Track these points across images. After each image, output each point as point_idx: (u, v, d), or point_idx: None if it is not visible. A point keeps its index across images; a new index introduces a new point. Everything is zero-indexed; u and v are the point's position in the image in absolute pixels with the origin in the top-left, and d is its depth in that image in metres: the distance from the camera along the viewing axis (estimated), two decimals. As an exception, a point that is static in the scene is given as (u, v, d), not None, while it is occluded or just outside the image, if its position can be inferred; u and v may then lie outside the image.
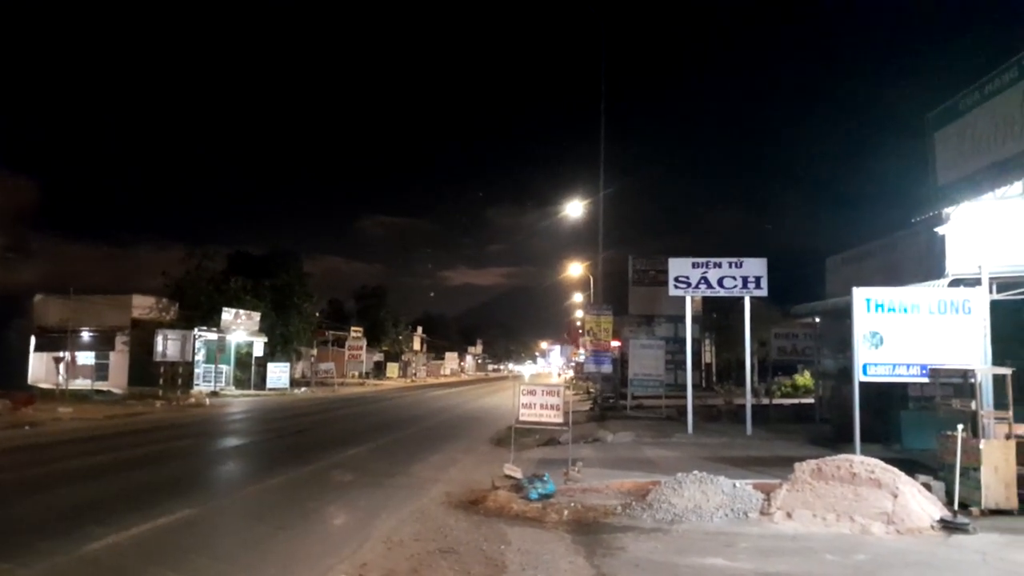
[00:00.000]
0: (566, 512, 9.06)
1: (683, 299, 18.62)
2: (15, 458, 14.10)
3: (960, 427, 9.07)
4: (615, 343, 27.60)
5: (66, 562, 6.90)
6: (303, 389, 42.13)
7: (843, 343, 15.03)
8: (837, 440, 14.05)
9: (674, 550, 7.46)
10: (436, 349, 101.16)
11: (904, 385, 13.81)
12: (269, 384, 39.17)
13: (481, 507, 9.47)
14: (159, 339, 32.82)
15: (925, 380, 11.66)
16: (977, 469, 8.96)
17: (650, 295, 31.30)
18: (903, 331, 11.13)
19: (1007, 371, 9.66)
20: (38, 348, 33.83)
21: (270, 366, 40.29)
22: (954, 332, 10.99)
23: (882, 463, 8.82)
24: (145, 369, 33.50)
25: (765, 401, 24.46)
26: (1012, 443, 9.21)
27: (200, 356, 36.45)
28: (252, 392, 37.59)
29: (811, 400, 25.04)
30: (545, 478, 10.19)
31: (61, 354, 29.87)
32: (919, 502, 8.44)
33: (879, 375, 11.23)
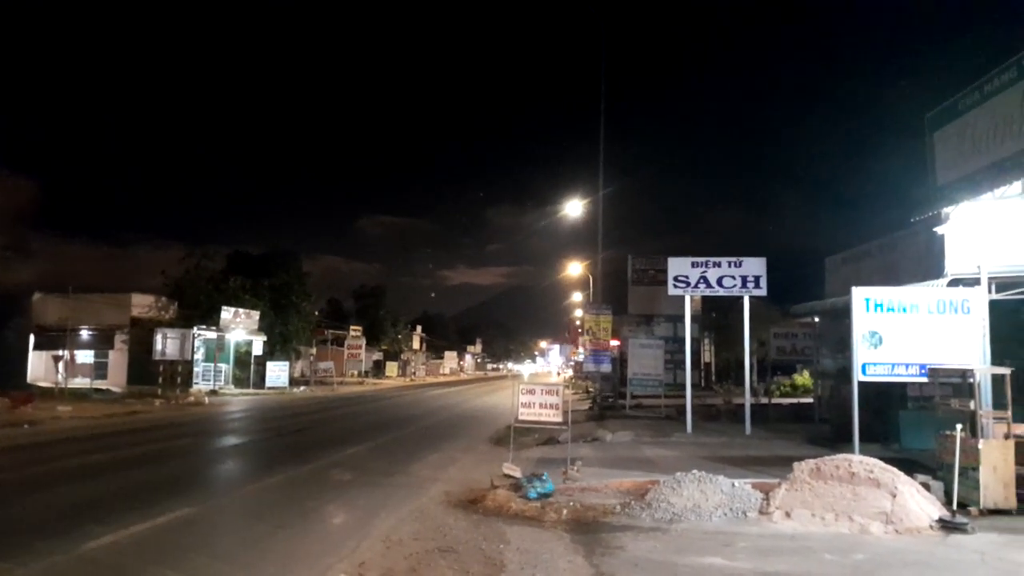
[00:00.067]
0: (565, 511, 9.06)
1: (682, 298, 18.62)
2: (14, 457, 14.09)
3: (959, 427, 9.08)
4: (614, 342, 27.63)
5: (65, 561, 6.90)
6: (302, 388, 42.12)
7: (842, 343, 15.04)
8: (836, 440, 14.06)
9: (673, 549, 7.47)
10: (435, 348, 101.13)
11: (903, 385, 13.82)
12: (268, 383, 39.19)
13: (480, 506, 9.48)
14: (158, 338, 32.82)
15: (924, 380, 11.67)
16: (976, 469, 8.97)
17: (649, 294, 31.33)
18: (902, 331, 11.14)
19: (1006, 371, 9.67)
20: (37, 347, 33.85)
21: (269, 365, 40.31)
22: (953, 332, 11.00)
23: (881, 463, 8.83)
24: (144, 368, 33.49)
25: (764, 401, 24.46)
26: (1011, 443, 9.21)
27: (199, 355, 36.47)
28: (251, 391, 37.59)
29: (810, 400, 25.04)
30: (544, 477, 10.19)
31: (60, 353, 29.86)
32: (918, 502, 8.45)
33: (878, 375, 11.24)
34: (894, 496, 8.32)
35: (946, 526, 8.15)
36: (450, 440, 18.15)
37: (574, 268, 45.26)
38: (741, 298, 17.90)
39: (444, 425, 22.90)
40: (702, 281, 17.89)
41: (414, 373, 77.28)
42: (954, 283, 11.53)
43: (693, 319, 20.15)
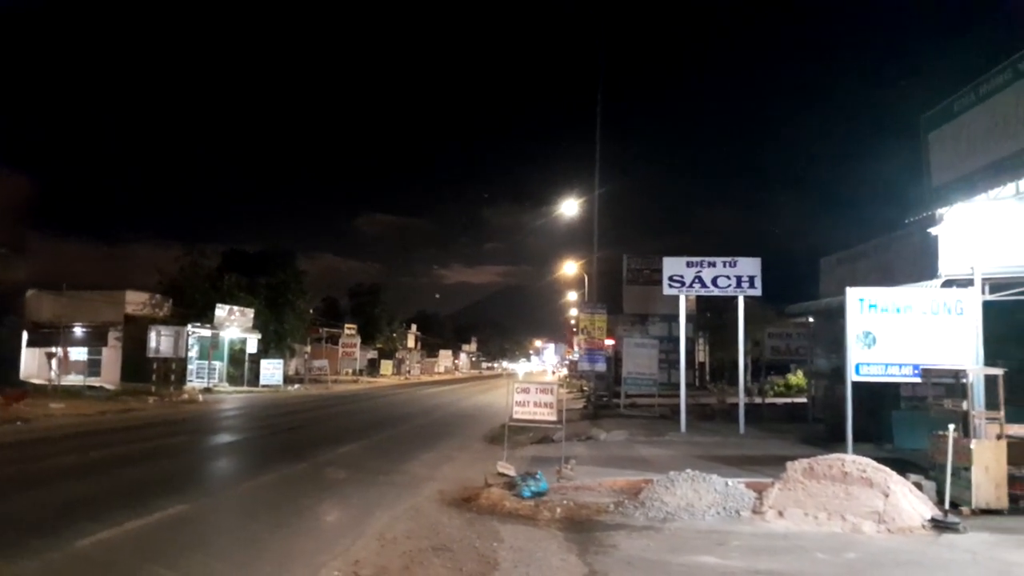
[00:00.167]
0: (559, 510, 9.07)
1: (677, 298, 18.66)
2: (7, 454, 14.03)
3: (951, 427, 9.10)
4: (609, 342, 27.62)
5: (59, 558, 6.88)
6: (297, 386, 42.07)
7: (836, 343, 15.07)
8: (829, 439, 14.10)
9: (666, 548, 7.48)
10: (430, 347, 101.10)
11: (896, 385, 13.84)
12: (263, 381, 39.13)
13: (474, 505, 9.48)
14: (152, 335, 32.71)
15: (917, 380, 11.69)
16: (968, 469, 9.01)
17: (644, 294, 31.34)
18: (896, 331, 11.17)
19: (999, 372, 9.71)
20: (30, 344, 33.68)
21: (264, 363, 40.25)
22: (946, 332, 11.03)
23: (874, 462, 8.86)
24: (138, 365, 33.38)
25: (758, 400, 24.55)
26: (1003, 443, 9.26)
27: (193, 352, 36.36)
28: (245, 389, 37.54)
29: (804, 399, 25.08)
30: (538, 476, 10.19)
31: (54, 350, 29.74)
32: (910, 501, 8.48)
33: (872, 375, 11.26)
34: (887, 496, 8.35)
35: (938, 526, 8.18)
36: (444, 438, 18.14)
37: (570, 267, 45.25)
38: (736, 298, 17.94)
39: (438, 423, 22.90)
40: (697, 281, 17.92)
41: (409, 372, 77.24)
42: (948, 284, 11.57)
43: (688, 319, 20.21)
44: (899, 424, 13.98)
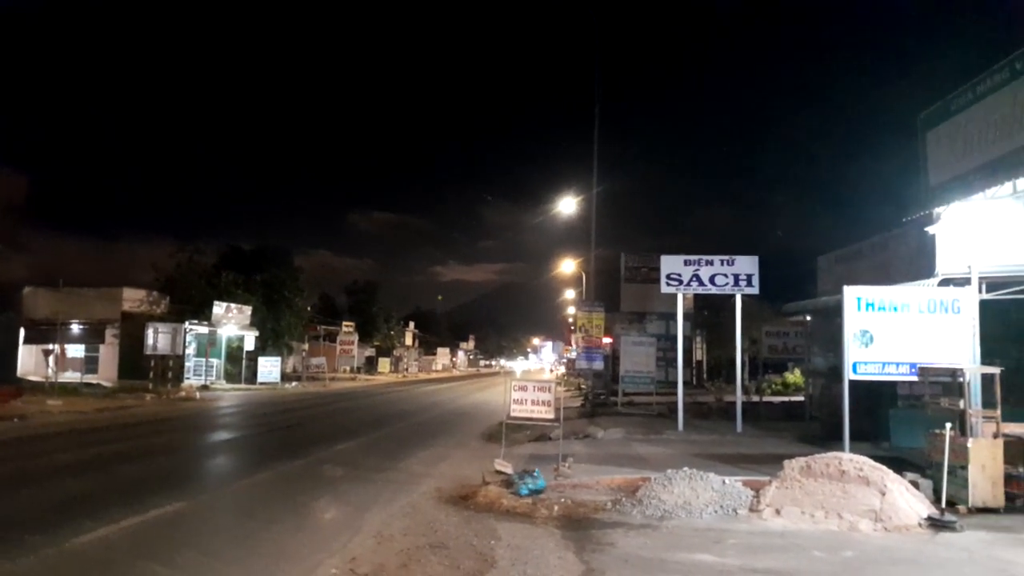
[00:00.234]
0: (556, 508, 9.07)
1: (675, 296, 18.66)
2: (3, 451, 14.00)
3: (948, 426, 9.12)
4: (607, 340, 27.61)
5: (54, 555, 6.87)
6: (294, 384, 42.03)
7: (833, 341, 15.08)
8: (826, 438, 14.11)
9: (663, 546, 7.49)
10: (428, 345, 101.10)
11: (893, 384, 13.87)
12: (260, 378, 39.09)
13: (471, 502, 9.48)
14: (149, 332, 32.69)
15: (914, 379, 11.71)
16: (965, 467, 9.02)
17: (642, 292, 31.36)
18: (893, 330, 11.18)
19: (995, 370, 9.72)
20: (27, 341, 33.63)
21: (261, 360, 40.20)
22: (943, 331, 11.04)
23: (871, 461, 8.87)
24: (135, 362, 33.36)
25: (755, 399, 24.58)
26: (999, 442, 9.27)
27: (191, 350, 36.31)
28: (243, 386, 37.49)
29: (801, 398, 25.12)
30: (535, 474, 10.20)
31: (50, 347, 29.69)
32: (907, 500, 8.49)
33: (869, 373, 11.27)
34: (883, 494, 8.37)
35: (935, 524, 8.19)
36: (442, 436, 18.14)
37: (567, 265, 45.28)
38: (733, 296, 17.94)
39: (436, 421, 22.90)
40: (695, 279, 17.92)
41: (406, 369, 77.19)
42: (945, 283, 11.58)
43: (685, 317, 20.21)
44: (896, 423, 14.00)
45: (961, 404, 9.52)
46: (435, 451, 15.12)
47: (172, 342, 33.13)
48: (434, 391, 43.23)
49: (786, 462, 9.25)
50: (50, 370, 29.00)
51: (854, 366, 11.24)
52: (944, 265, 11.57)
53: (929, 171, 12.04)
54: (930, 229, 11.97)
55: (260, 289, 44.35)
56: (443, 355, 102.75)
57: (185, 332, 34.60)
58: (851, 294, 11.38)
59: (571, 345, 56.32)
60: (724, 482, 9.32)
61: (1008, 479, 9.19)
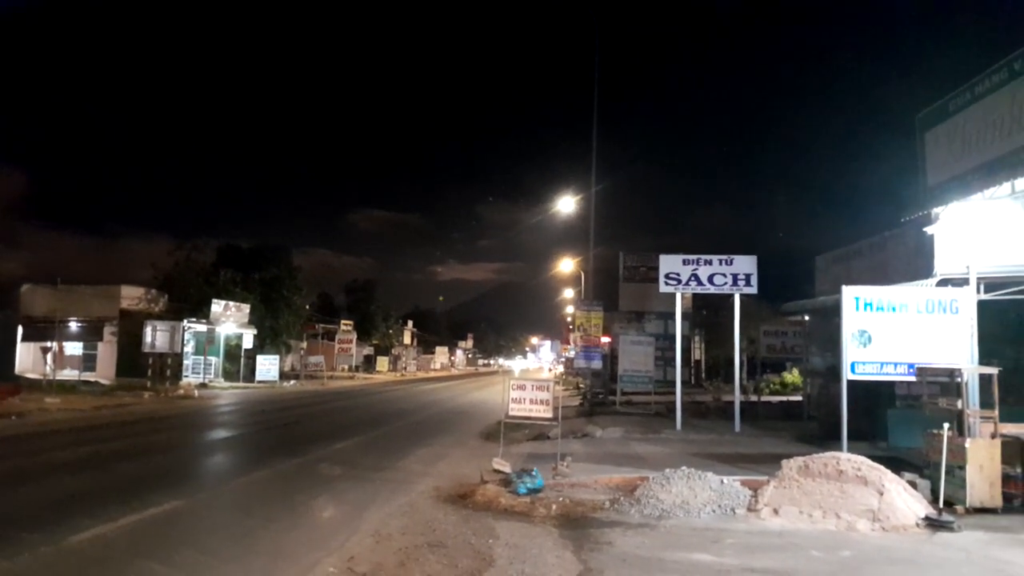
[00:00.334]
0: (554, 507, 9.08)
1: (673, 296, 18.66)
2: (1, 449, 14.00)
3: (946, 426, 9.13)
4: (605, 339, 27.62)
5: (52, 554, 6.86)
6: (292, 382, 42.01)
7: (831, 341, 15.09)
8: (824, 438, 14.13)
9: (661, 545, 7.49)
10: (426, 343, 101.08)
11: (891, 383, 13.88)
12: (258, 377, 39.06)
13: (470, 501, 9.48)
14: (148, 330, 32.64)
15: (912, 379, 11.72)
16: (962, 467, 9.03)
17: (640, 291, 31.31)
18: (891, 330, 11.19)
19: (993, 371, 9.73)
20: (25, 338, 33.62)
21: (259, 359, 40.18)
22: (942, 331, 11.05)
23: (869, 461, 8.88)
24: (133, 360, 33.31)
25: (754, 398, 24.58)
26: (997, 442, 9.28)
27: (189, 348, 36.29)
28: (241, 384, 37.47)
29: (799, 397, 25.16)
30: (534, 473, 10.20)
31: (49, 344, 29.68)
32: (905, 500, 8.50)
33: (867, 373, 11.28)
34: (881, 494, 8.38)
35: (932, 524, 8.20)
36: (440, 435, 18.14)
37: (566, 265, 45.28)
38: (732, 296, 17.94)
39: (434, 420, 22.90)
40: (693, 278, 17.92)
41: (405, 368, 77.17)
42: (943, 283, 11.59)
43: (684, 316, 20.18)
44: (894, 423, 14.01)
45: (959, 404, 9.53)
46: (433, 450, 15.12)
47: (170, 340, 33.09)
48: (432, 390, 43.22)
49: (784, 462, 9.26)
50: (48, 368, 29.02)
51: (852, 366, 11.25)
52: (942, 265, 11.58)
53: (927, 171, 12.05)
54: (928, 229, 11.97)
55: (259, 287, 44.32)
56: (441, 354, 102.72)
57: (183, 330, 34.57)
58: (849, 294, 11.39)
59: (569, 344, 56.33)
60: (722, 482, 9.33)
61: (1006, 479, 9.21)
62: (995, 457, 9.14)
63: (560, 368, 69.47)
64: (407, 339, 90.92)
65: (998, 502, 9.06)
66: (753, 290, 17.78)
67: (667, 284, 18.14)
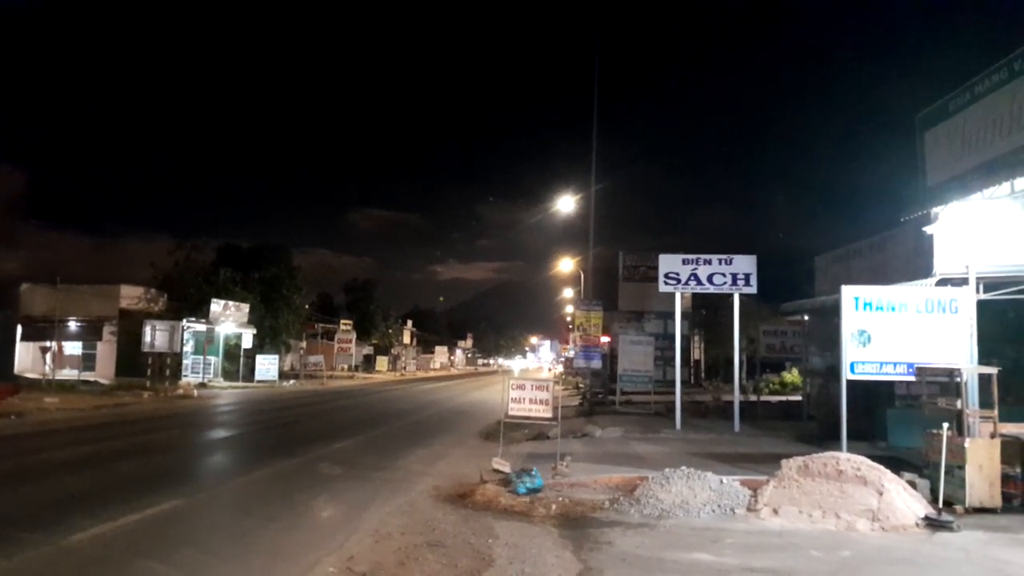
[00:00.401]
0: (554, 506, 9.08)
1: (673, 295, 18.66)
2: (0, 449, 14.00)
3: (945, 425, 9.14)
4: (604, 339, 27.62)
5: (52, 553, 6.86)
6: (292, 382, 42.01)
7: (831, 341, 15.10)
8: (824, 437, 14.13)
9: (660, 545, 7.50)
10: (426, 343, 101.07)
11: (891, 383, 13.89)
12: (258, 376, 39.06)
13: (469, 501, 9.48)
14: (147, 330, 32.61)
15: (912, 379, 11.73)
16: (962, 467, 9.04)
17: (640, 291, 31.34)
18: (891, 330, 11.19)
19: (993, 370, 9.73)
20: (25, 338, 33.58)
21: (259, 358, 40.18)
22: (941, 331, 11.05)
23: (868, 461, 8.89)
24: (133, 360, 33.30)
25: (753, 398, 24.56)
26: (997, 442, 9.28)
27: (188, 347, 36.30)
28: (240, 384, 37.47)
29: (799, 397, 25.16)
30: (533, 472, 10.20)
31: (48, 344, 29.67)
32: (904, 500, 8.51)
33: (866, 373, 11.28)
34: (881, 494, 8.38)
35: (932, 524, 8.20)
36: (440, 435, 18.14)
37: (565, 264, 45.27)
38: (731, 295, 17.94)
39: (434, 420, 22.90)
40: (693, 278, 17.92)
41: (404, 368, 77.19)
42: (943, 283, 11.59)
43: (683, 316, 20.18)
44: (893, 422, 14.01)
45: (958, 404, 9.53)
46: (433, 449, 15.12)
47: (170, 340, 33.07)
48: (432, 389, 43.22)
49: (784, 461, 9.26)
50: (47, 367, 29.00)
51: (852, 366, 11.25)
52: (942, 265, 11.58)
53: (927, 171, 12.06)
54: (928, 229, 11.98)
55: (258, 287, 44.30)
56: (441, 353, 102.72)
57: (183, 330, 34.56)
58: (849, 294, 11.39)
59: (569, 344, 56.33)
60: (722, 481, 9.33)
61: (1005, 479, 9.21)
62: (994, 457, 9.14)
63: (560, 368, 69.50)
64: (407, 339, 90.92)
65: (997, 502, 9.06)
66: (753, 290, 17.78)
67: (667, 284, 18.14)
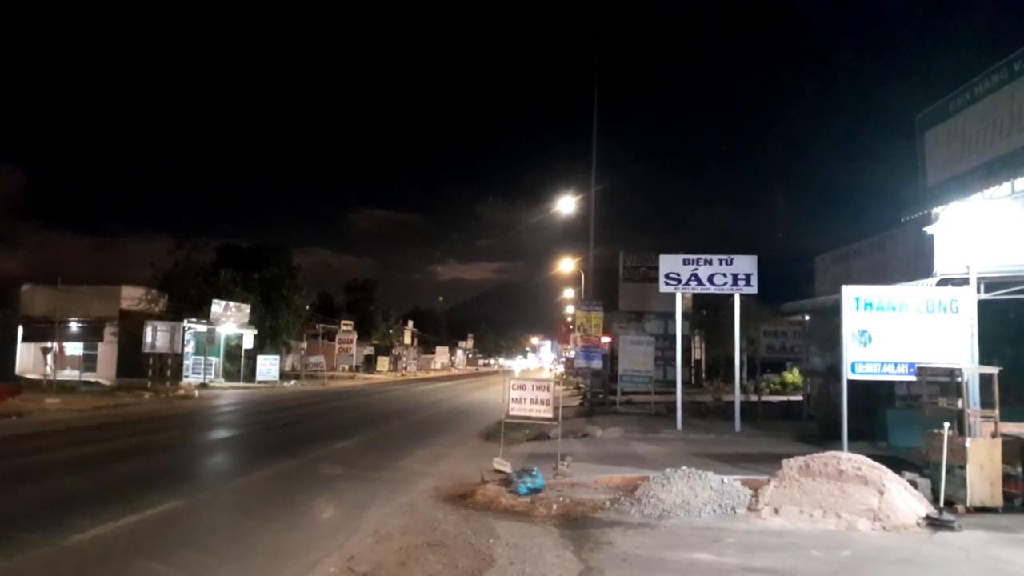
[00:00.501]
0: (555, 506, 9.07)
1: (673, 295, 18.66)
2: (1, 449, 14.00)
3: (946, 425, 9.13)
4: (605, 339, 27.62)
5: (51, 553, 6.87)
6: (292, 382, 42.02)
7: (831, 341, 15.10)
8: (824, 437, 14.13)
9: (661, 545, 7.49)
10: (426, 343, 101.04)
11: (891, 383, 13.89)
12: (258, 377, 39.06)
13: (470, 501, 9.48)
14: (148, 330, 32.60)
15: (912, 378, 11.73)
16: (963, 467, 9.03)
17: (640, 291, 31.35)
18: (891, 329, 11.19)
19: (993, 370, 9.72)
20: (26, 339, 33.59)
21: (259, 359, 40.18)
22: (942, 331, 11.05)
23: (869, 460, 8.88)
24: (134, 360, 33.30)
25: (754, 398, 24.56)
26: (998, 441, 9.28)
27: (189, 348, 36.28)
28: (241, 384, 37.47)
29: (799, 397, 25.15)
30: (534, 472, 10.20)
31: (49, 345, 29.68)
32: (905, 499, 8.50)
33: (867, 373, 11.28)
34: (881, 494, 8.37)
35: (933, 524, 8.20)
36: (440, 435, 18.14)
37: (566, 264, 45.27)
38: (732, 296, 17.94)
39: (434, 420, 22.90)
40: (693, 278, 17.92)
41: (405, 368, 77.19)
42: (943, 283, 11.59)
43: (684, 316, 20.19)
44: (894, 422, 14.01)
45: (959, 404, 9.53)
46: (433, 450, 15.12)
47: (170, 340, 33.07)
48: (432, 390, 43.22)
49: (784, 461, 9.26)
50: (48, 368, 29.02)
51: (852, 366, 11.25)
52: (942, 265, 11.58)
53: (927, 171, 12.06)
54: (928, 229, 11.98)
55: (259, 287, 44.31)
56: (442, 354, 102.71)
57: (184, 330, 34.53)
58: (849, 294, 11.39)
59: (569, 344, 56.31)
60: (723, 481, 9.32)
61: (1006, 479, 9.21)
62: (995, 457, 9.14)
63: (560, 368, 69.46)
64: (407, 339, 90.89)
65: (998, 501, 9.06)
66: (753, 290, 17.78)
67: (667, 284, 18.14)
